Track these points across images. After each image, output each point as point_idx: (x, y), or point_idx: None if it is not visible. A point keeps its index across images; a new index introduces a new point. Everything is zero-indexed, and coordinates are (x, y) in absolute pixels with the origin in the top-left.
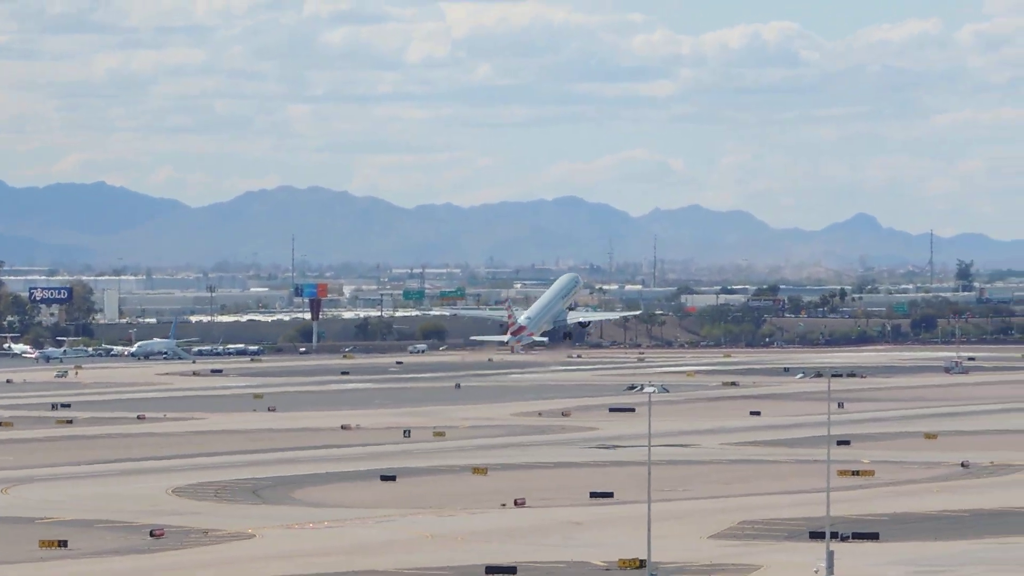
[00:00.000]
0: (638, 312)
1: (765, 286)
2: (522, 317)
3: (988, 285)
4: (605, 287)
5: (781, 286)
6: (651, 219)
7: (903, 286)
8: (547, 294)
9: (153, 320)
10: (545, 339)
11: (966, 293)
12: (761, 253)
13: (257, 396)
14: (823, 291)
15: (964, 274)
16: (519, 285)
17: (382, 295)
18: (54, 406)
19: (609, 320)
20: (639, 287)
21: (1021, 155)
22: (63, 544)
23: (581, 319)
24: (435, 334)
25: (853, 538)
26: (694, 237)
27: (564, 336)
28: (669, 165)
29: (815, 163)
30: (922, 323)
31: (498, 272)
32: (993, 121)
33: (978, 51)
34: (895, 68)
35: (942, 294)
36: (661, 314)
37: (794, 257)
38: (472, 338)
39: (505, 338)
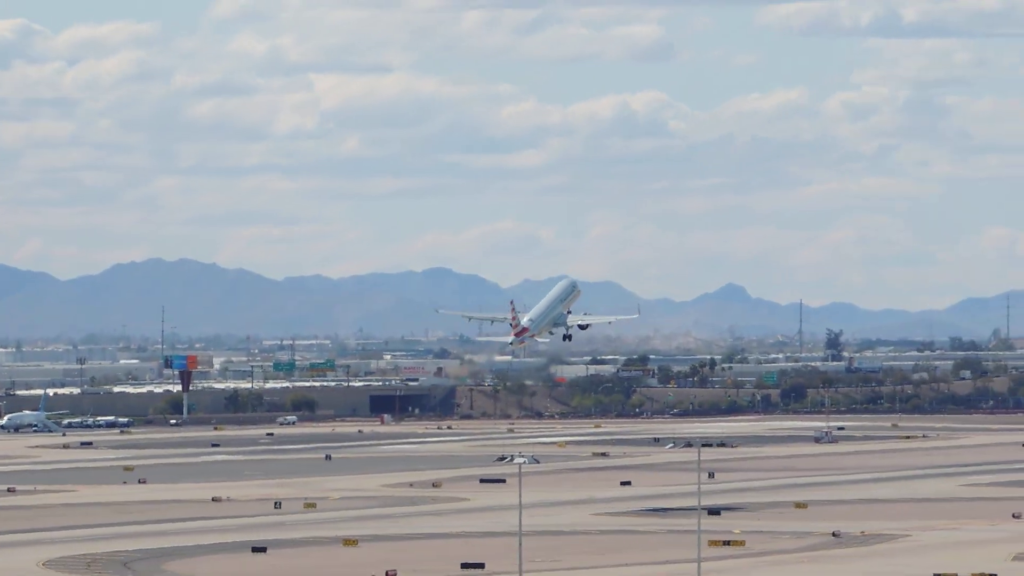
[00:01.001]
0: (635, 316)
1: (635, 356)
2: (525, 319)
3: (857, 354)
4: (475, 358)
5: (651, 356)
6: (521, 290)
7: (773, 356)
8: (547, 298)
9: (23, 392)
10: (547, 340)
11: (835, 363)
12: (631, 323)
13: (128, 468)
14: (693, 361)
15: (833, 344)
16: (389, 356)
17: (252, 367)
18: None
19: (603, 321)
20: (509, 358)
21: (889, 225)
22: None
23: (580, 322)
24: (305, 405)
25: None
26: None
27: (564, 339)
28: (538, 236)
29: (684, 233)
30: (792, 393)
31: (368, 343)
32: (861, 191)
33: (846, 121)
34: (763, 138)
35: (811, 364)
36: (531, 385)
37: (664, 327)
38: (477, 338)
39: (509, 339)
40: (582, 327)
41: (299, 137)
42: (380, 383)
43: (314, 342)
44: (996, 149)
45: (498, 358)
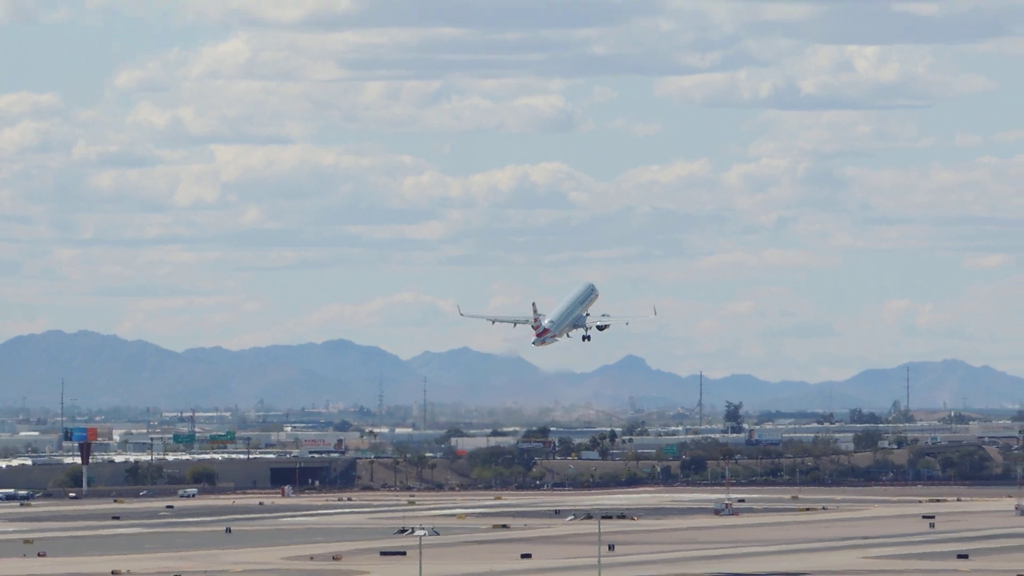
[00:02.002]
0: (652, 316)
1: (535, 428)
2: (546, 320)
3: (757, 426)
4: (376, 430)
5: (552, 428)
6: (421, 361)
7: (673, 428)
8: (567, 300)
9: None
10: (569, 337)
11: (735, 435)
12: (531, 395)
13: (27, 541)
14: (593, 433)
15: (733, 416)
16: (289, 428)
17: (152, 439)
18: None
19: (620, 322)
20: (410, 430)
21: (788, 296)
22: None
23: (599, 323)
24: (206, 477)
25: None
26: (464, 379)
27: (584, 339)
28: (439, 307)
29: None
30: (692, 464)
31: (268, 415)
32: (760, 263)
33: (746, 192)
34: (664, 209)
35: (711, 436)
36: (432, 456)
37: (564, 399)
38: (495, 322)
39: (532, 338)
40: (601, 328)
41: (200, 208)
42: (281, 455)
43: (215, 414)
44: (895, 221)
45: (398, 429)
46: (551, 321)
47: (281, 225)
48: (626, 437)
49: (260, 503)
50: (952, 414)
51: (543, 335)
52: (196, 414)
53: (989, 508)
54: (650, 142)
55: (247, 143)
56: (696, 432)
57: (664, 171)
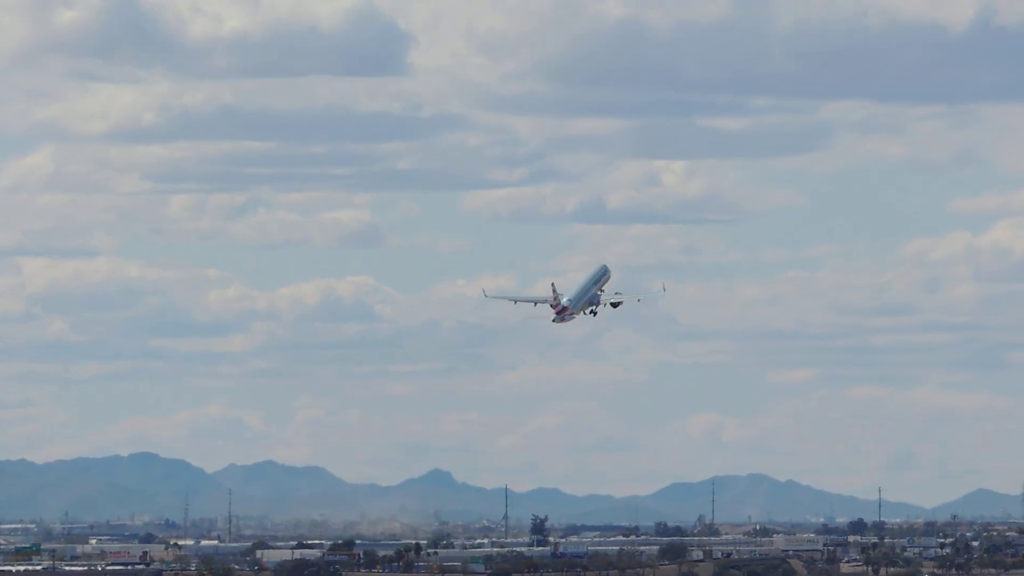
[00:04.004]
0: (662, 292)
1: (341, 541)
2: (565, 299)
3: (563, 539)
4: (181, 542)
5: (357, 541)
6: (226, 474)
7: (478, 541)
8: (584, 280)
9: None
10: (584, 314)
11: (541, 548)
12: (337, 508)
13: None
14: (398, 546)
15: (539, 529)
16: (94, 540)
17: None
18: None
19: (632, 299)
20: (215, 542)
21: (593, 411)
22: None
23: (612, 300)
24: None
25: None
26: (269, 492)
27: (591, 314)
28: (244, 420)
29: (390, 418)
30: None
31: (74, 528)
32: (566, 377)
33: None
34: (469, 323)
35: (517, 549)
36: (237, 569)
37: (370, 512)
38: (517, 302)
39: (552, 316)
40: (614, 304)
41: (5, 321)
42: (86, 568)
43: (19, 526)
44: (701, 335)
45: (204, 542)
46: (569, 299)
47: (87, 337)
48: (431, 550)
49: None
50: (757, 527)
51: (562, 313)
52: (0, 527)
53: None
54: (457, 256)
55: (53, 256)
56: (502, 545)
57: (471, 285)
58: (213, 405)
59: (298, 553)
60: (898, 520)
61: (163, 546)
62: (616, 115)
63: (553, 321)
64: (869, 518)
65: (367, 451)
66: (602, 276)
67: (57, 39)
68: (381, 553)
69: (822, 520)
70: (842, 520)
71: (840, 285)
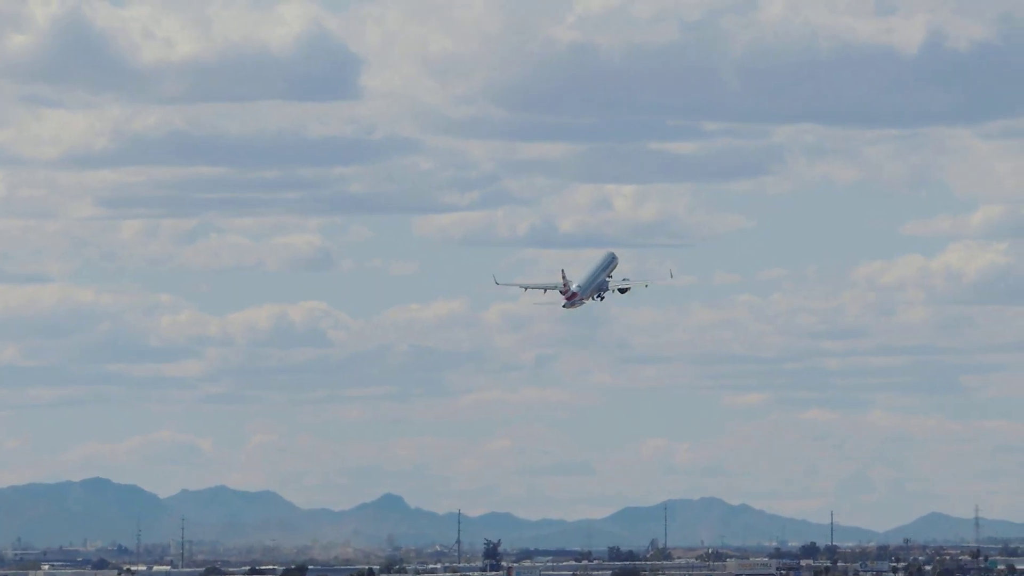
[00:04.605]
0: (670, 278)
1: (293, 566)
2: (574, 286)
3: (516, 564)
4: (134, 568)
5: (310, 566)
6: (179, 500)
7: (431, 566)
8: (593, 267)
9: None
10: (593, 300)
11: (494, 572)
12: (290, 533)
13: None
14: (352, 570)
15: (491, 553)
16: (47, 567)
17: None
18: None
19: (640, 285)
20: (167, 568)
21: (547, 435)
22: None
23: (620, 287)
24: None
25: None
26: (222, 517)
27: (598, 298)
28: (197, 446)
29: (343, 443)
30: None
31: (26, 554)
32: (519, 401)
33: (505, 330)
34: (422, 347)
35: (470, 574)
36: None
37: (323, 537)
38: (527, 289)
39: (562, 302)
40: (622, 291)
41: None
42: None
43: None
44: (654, 360)
45: (156, 568)
46: (579, 286)
47: (39, 363)
48: (384, 575)
49: None
50: (710, 551)
51: (572, 299)
52: None
53: None
54: (409, 280)
55: (6, 282)
56: (455, 569)
57: (423, 309)
58: (165, 430)
59: None
60: (851, 544)
61: (116, 572)
62: (568, 139)
63: (563, 307)
64: (822, 542)
65: (319, 476)
66: (610, 263)
67: (7, 64)
68: None
69: (775, 544)
70: (795, 544)
71: (792, 308)
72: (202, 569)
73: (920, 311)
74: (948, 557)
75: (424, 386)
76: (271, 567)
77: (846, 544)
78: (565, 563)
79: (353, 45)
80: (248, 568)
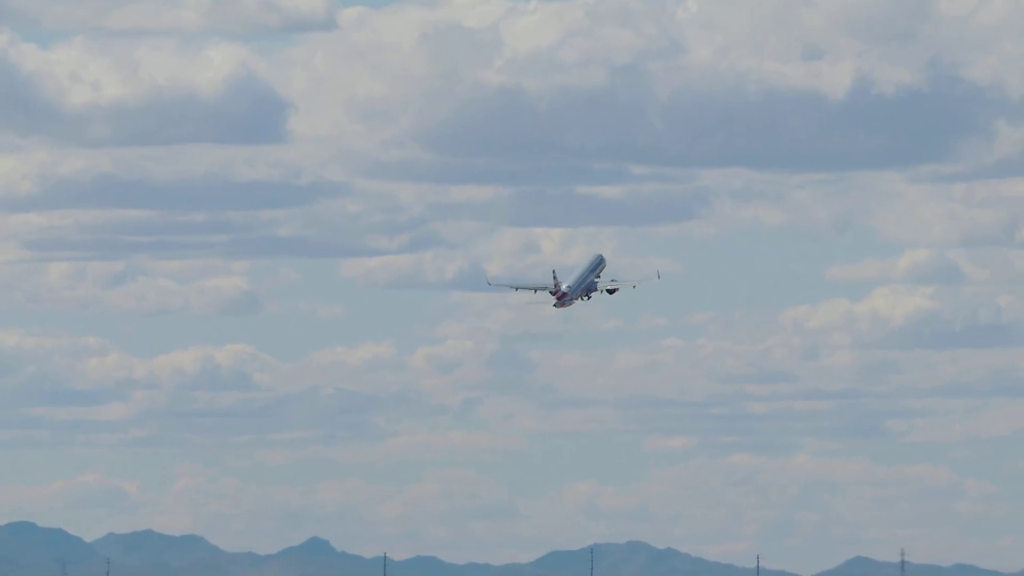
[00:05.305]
0: (656, 279)
1: None
2: (564, 286)
3: None
4: None
5: None
6: (105, 543)
7: None
8: (582, 268)
9: None
10: (582, 300)
11: None
12: None
13: None
14: None
15: None
16: None
17: None
18: None
19: (628, 285)
20: None
21: (473, 479)
22: None
23: (608, 287)
24: None
25: None
26: (147, 561)
27: (585, 298)
28: (123, 489)
29: (269, 487)
30: None
31: None
32: (445, 444)
33: (432, 374)
34: (349, 391)
35: None
36: None
37: None
38: (518, 289)
39: (553, 301)
40: (610, 291)
41: None
42: None
43: None
44: (580, 403)
45: None
46: (569, 286)
47: None
48: None
49: None
50: None
51: (562, 299)
52: None
53: None
54: (336, 323)
55: None
56: None
57: (350, 353)
58: (91, 473)
59: None
60: None
61: None
62: (496, 182)
63: (554, 306)
64: None
65: (245, 520)
66: (598, 265)
67: None
68: None
69: None
70: None
71: (718, 352)
72: None
73: (846, 356)
74: None
75: (350, 429)
76: None
77: None
78: None
79: (281, 89)
80: None
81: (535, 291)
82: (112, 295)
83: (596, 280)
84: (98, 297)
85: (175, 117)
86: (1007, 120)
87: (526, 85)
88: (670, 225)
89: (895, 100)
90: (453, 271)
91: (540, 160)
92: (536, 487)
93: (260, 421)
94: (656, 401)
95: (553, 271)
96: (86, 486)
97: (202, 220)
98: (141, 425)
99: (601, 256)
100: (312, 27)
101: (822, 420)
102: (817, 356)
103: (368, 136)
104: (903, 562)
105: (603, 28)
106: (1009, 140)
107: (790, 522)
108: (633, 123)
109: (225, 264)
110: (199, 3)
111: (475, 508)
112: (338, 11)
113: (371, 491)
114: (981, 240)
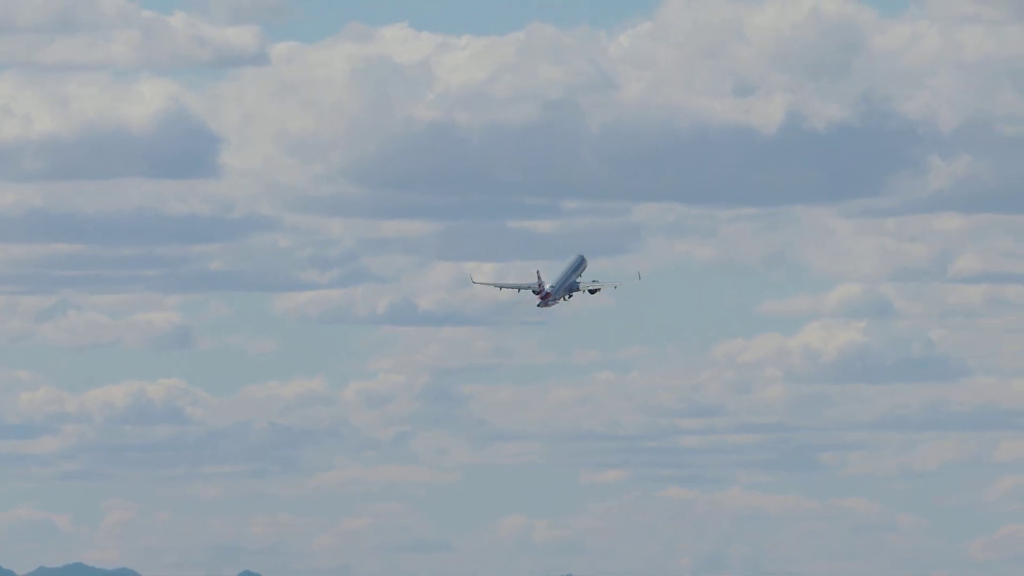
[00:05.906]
0: (637, 280)
1: None
2: (548, 286)
3: None
4: None
5: None
6: None
7: None
8: (565, 269)
9: None
10: (564, 300)
11: None
12: None
13: None
14: None
15: None
16: None
17: None
18: None
19: (609, 286)
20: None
21: (405, 513)
22: None
23: (591, 287)
24: None
25: None
26: None
27: (567, 298)
28: (54, 522)
29: (201, 520)
30: None
31: None
32: (377, 478)
33: (363, 408)
34: (281, 425)
35: None
36: None
37: None
38: (503, 288)
39: (536, 301)
40: (592, 291)
41: None
42: None
43: None
44: (513, 437)
45: None
46: (552, 286)
47: None
48: None
49: None
50: None
51: (546, 298)
52: None
53: None
54: (267, 358)
55: None
56: None
57: (282, 387)
58: (23, 507)
59: None
60: None
61: None
62: (427, 217)
63: (538, 306)
64: None
65: (177, 553)
66: (580, 265)
67: None
68: None
69: None
70: None
71: (651, 386)
72: None
73: (778, 389)
74: None
75: (282, 463)
76: None
77: None
78: None
79: (212, 123)
80: None
81: (519, 290)
82: (43, 329)
83: (578, 280)
84: (29, 331)
85: (106, 151)
86: (939, 155)
87: (457, 120)
88: (603, 259)
89: (827, 135)
90: (384, 305)
91: (472, 194)
92: (468, 521)
93: (192, 455)
94: (589, 435)
95: (537, 271)
96: (17, 520)
97: (134, 254)
98: (72, 459)
99: (582, 257)
100: (244, 62)
101: (755, 453)
102: (750, 390)
103: (299, 170)
104: None
105: (534, 63)
106: (941, 175)
107: (723, 555)
108: (565, 158)
109: (157, 298)
110: (130, 38)
111: (407, 542)
112: (270, 46)
113: (303, 525)
114: (913, 274)
